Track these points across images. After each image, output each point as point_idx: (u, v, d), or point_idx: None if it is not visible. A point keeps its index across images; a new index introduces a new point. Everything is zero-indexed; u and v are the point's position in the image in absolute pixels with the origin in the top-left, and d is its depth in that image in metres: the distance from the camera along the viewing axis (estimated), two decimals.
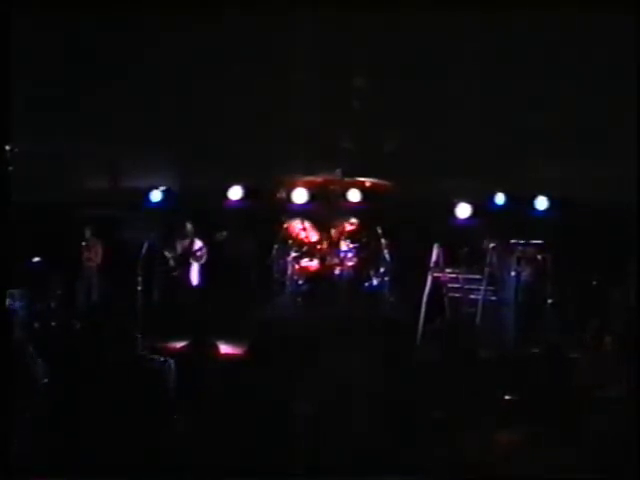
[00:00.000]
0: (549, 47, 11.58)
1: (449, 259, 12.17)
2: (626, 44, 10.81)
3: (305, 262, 13.01)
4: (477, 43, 11.65)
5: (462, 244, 12.16)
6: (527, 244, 11.75)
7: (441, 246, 12.10)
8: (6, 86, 6.98)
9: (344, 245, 13.00)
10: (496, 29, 11.49)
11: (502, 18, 11.27)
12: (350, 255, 12.96)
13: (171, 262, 12.61)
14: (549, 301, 11.58)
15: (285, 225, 13.20)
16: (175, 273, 12.63)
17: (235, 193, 13.33)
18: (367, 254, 13.05)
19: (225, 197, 13.35)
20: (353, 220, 13.17)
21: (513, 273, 11.68)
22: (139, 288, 12.08)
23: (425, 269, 12.15)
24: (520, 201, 12.90)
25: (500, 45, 11.63)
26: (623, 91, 11.10)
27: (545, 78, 11.72)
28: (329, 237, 13.21)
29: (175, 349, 8.63)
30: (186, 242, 12.68)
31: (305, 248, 13.09)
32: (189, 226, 12.71)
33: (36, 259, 11.83)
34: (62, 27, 11.55)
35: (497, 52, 11.68)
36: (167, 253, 12.63)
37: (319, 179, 13.48)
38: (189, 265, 12.62)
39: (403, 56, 11.94)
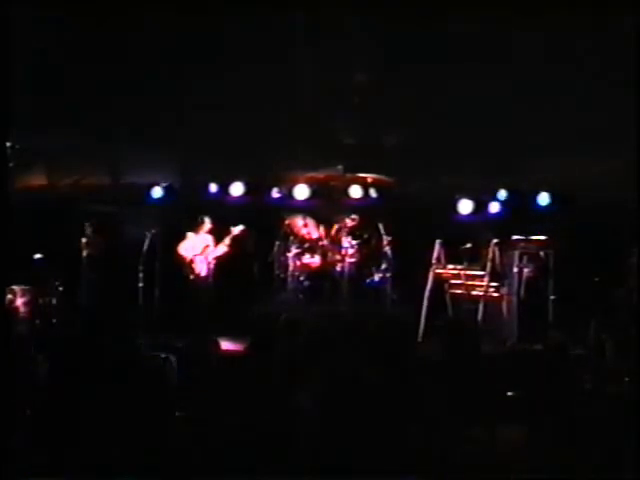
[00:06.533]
0: (549, 46, 11.57)
1: (451, 255, 12.17)
2: (626, 43, 10.81)
3: (307, 258, 12.99)
4: (477, 42, 11.64)
5: (464, 240, 12.13)
6: (529, 240, 11.74)
7: (443, 242, 12.09)
8: (6, 84, 6.97)
9: (346, 241, 12.97)
10: (496, 28, 11.48)
11: (503, 16, 11.26)
12: (352, 251, 12.94)
13: (196, 262, 12.52)
14: (551, 297, 11.57)
15: (286, 221, 13.18)
16: (192, 272, 12.55)
17: (236, 189, 13.35)
18: (369, 250, 13.03)
19: (227, 193, 13.38)
20: (354, 216, 13.14)
21: (515, 269, 11.66)
22: (140, 285, 12.12)
23: (427, 265, 12.15)
24: (522, 197, 12.90)
25: (499, 44, 11.62)
26: (624, 88, 11.10)
27: (545, 77, 11.71)
28: (331, 233, 13.19)
29: (176, 346, 8.62)
30: (207, 239, 12.60)
31: (307, 244, 13.07)
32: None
33: (37, 256, 11.81)
34: (62, 26, 11.53)
35: (496, 51, 11.67)
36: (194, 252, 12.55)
37: (320, 175, 13.48)
38: (202, 263, 12.57)
39: (404, 53, 11.92)
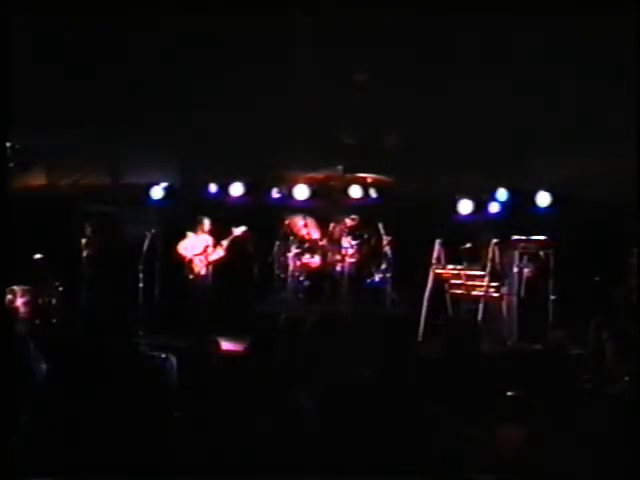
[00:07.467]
0: (549, 46, 11.58)
1: (451, 255, 12.17)
2: (626, 43, 10.82)
3: (306, 258, 12.98)
4: (477, 42, 11.66)
5: (464, 240, 12.13)
6: (529, 240, 11.74)
7: (443, 242, 12.09)
8: (6, 84, 6.97)
9: (345, 241, 12.95)
10: (495, 28, 11.50)
11: (502, 17, 11.28)
12: (351, 251, 12.92)
13: (195, 261, 12.46)
14: (551, 297, 11.57)
15: (286, 221, 13.17)
16: (191, 271, 12.49)
17: (236, 189, 13.35)
18: (368, 250, 13.01)
19: (227, 193, 13.38)
20: (354, 216, 13.13)
21: (515, 269, 11.66)
22: (140, 285, 12.12)
23: (427, 265, 12.15)
24: (522, 197, 12.89)
25: (500, 44, 11.63)
26: (624, 88, 11.11)
27: (545, 77, 11.72)
28: (330, 233, 13.18)
29: (176, 346, 8.61)
30: (207, 239, 12.54)
31: (306, 244, 13.06)
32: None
33: (37, 256, 11.80)
34: (62, 26, 11.55)
35: (496, 51, 11.68)
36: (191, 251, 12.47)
37: (320, 175, 13.47)
38: (201, 263, 12.53)
39: (404, 53, 11.92)
